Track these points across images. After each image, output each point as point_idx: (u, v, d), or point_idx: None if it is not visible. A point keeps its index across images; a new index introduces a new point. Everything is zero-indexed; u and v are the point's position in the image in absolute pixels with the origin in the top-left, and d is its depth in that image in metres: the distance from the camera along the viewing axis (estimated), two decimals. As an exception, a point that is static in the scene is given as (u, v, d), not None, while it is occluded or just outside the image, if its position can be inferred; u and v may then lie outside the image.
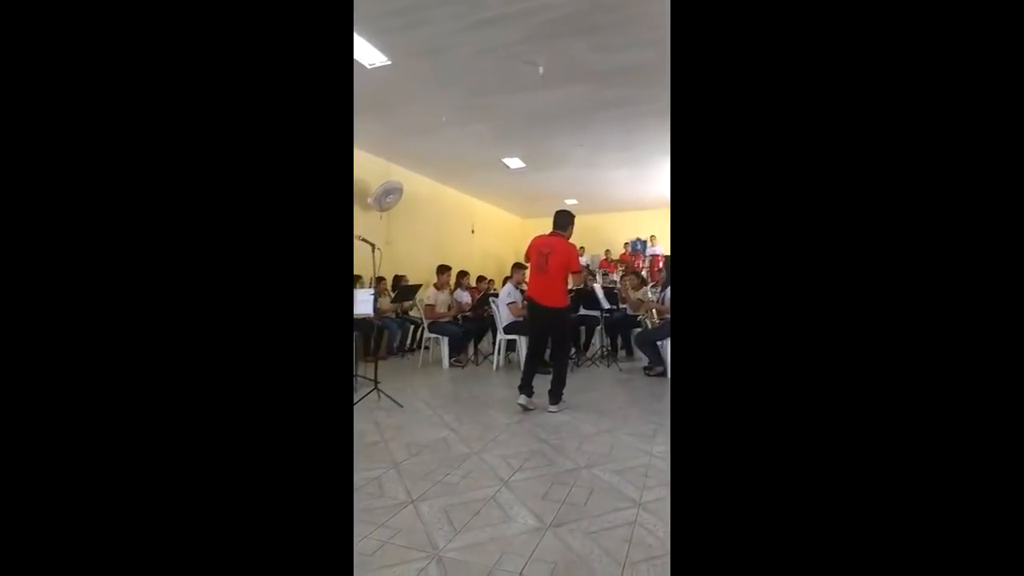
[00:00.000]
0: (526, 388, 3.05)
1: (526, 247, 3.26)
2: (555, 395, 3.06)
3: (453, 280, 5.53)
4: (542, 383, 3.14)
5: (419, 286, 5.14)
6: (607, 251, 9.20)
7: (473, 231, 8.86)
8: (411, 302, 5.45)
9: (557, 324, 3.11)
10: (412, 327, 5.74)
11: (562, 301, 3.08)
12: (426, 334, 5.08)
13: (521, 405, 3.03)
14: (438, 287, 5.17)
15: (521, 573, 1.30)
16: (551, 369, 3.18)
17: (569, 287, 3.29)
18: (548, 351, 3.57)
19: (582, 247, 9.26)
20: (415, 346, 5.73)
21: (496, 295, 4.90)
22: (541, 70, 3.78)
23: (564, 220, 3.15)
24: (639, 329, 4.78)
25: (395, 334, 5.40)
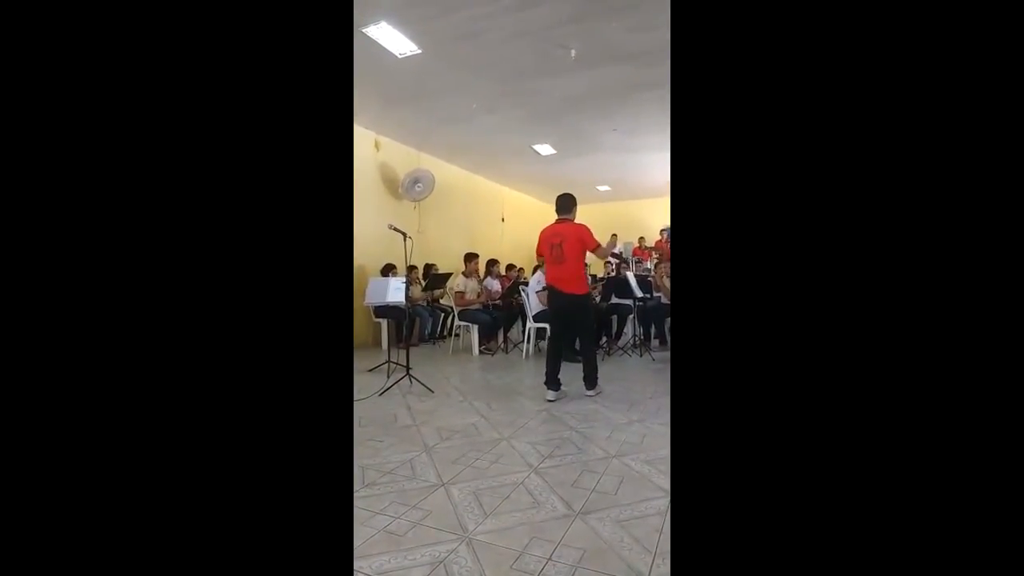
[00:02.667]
0: (552, 383, 3.00)
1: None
2: (591, 380, 3.04)
3: (482, 268, 5.55)
4: (568, 374, 3.11)
5: (450, 275, 5.19)
6: (641, 238, 8.99)
7: (503, 219, 8.84)
8: (442, 290, 5.51)
9: (581, 311, 3.07)
10: (443, 315, 5.81)
11: (583, 287, 3.05)
12: (456, 322, 5.13)
13: (550, 401, 2.97)
14: (466, 274, 5.21)
15: (550, 558, 1.30)
16: (577, 359, 3.14)
17: (600, 275, 3.24)
18: (576, 341, 3.52)
19: (614, 234, 9.09)
20: (446, 333, 5.81)
21: (526, 283, 4.89)
22: (573, 53, 3.69)
23: (568, 203, 3.05)
24: (673, 318, 4.67)
25: (426, 321, 5.49)
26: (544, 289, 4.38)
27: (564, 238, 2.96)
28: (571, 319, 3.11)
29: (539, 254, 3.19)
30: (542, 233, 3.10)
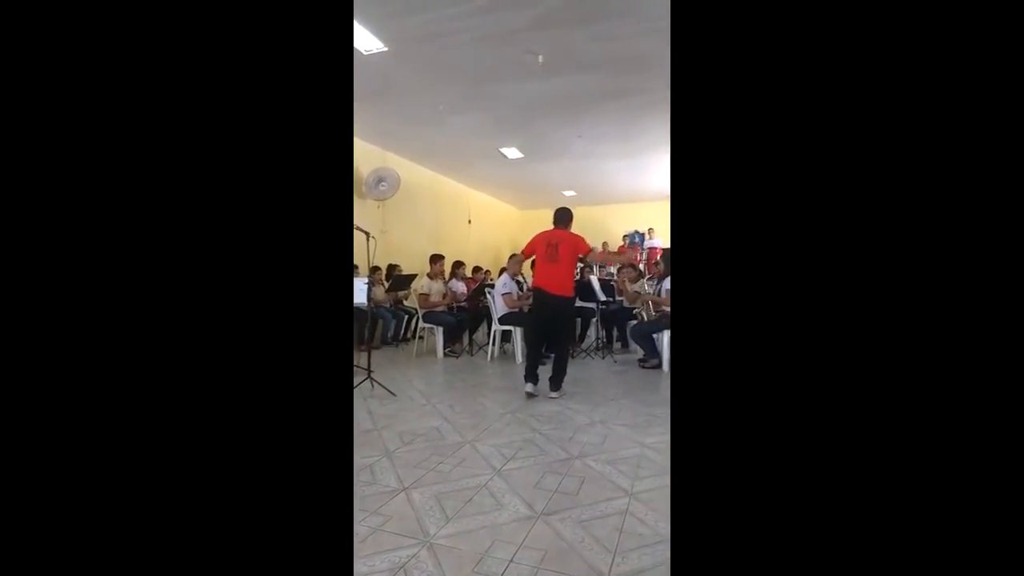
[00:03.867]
0: (532, 376, 3.12)
1: (523, 238, 3.33)
2: (557, 382, 3.15)
3: (448, 269, 5.51)
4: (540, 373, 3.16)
5: (414, 276, 5.12)
6: (604, 243, 9.16)
7: (470, 221, 8.81)
8: (406, 292, 5.43)
9: (566, 313, 3.24)
10: (407, 317, 5.72)
11: (571, 291, 3.22)
12: (421, 324, 5.06)
13: (528, 393, 3.08)
14: (431, 276, 5.16)
15: (512, 560, 1.30)
16: (544, 361, 3.22)
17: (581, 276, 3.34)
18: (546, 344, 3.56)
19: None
20: (410, 336, 5.71)
21: (492, 285, 4.88)
22: (540, 59, 3.73)
23: (565, 216, 3.30)
24: (635, 322, 4.78)
25: (389, 323, 5.39)
26: (508, 293, 4.41)
27: (562, 240, 3.16)
28: (552, 321, 3.22)
29: (528, 253, 3.30)
30: (539, 235, 3.25)
